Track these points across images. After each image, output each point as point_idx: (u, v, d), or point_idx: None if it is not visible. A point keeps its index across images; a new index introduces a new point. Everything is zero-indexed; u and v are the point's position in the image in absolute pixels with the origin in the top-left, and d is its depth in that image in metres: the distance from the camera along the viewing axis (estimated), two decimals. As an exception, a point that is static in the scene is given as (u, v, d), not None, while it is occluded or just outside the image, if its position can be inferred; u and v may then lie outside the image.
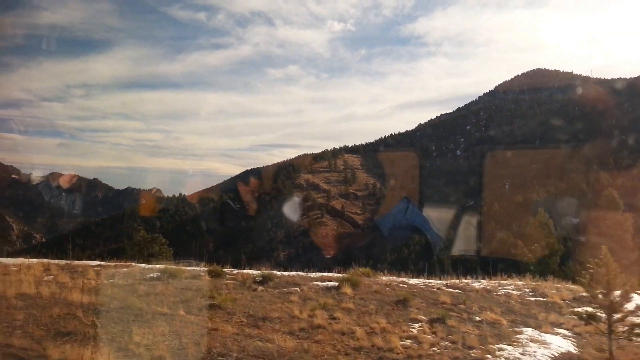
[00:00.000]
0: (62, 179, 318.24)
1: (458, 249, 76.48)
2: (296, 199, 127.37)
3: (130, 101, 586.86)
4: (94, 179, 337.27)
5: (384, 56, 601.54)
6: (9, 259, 18.17)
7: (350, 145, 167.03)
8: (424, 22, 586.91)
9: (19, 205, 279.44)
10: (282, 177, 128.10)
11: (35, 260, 16.34)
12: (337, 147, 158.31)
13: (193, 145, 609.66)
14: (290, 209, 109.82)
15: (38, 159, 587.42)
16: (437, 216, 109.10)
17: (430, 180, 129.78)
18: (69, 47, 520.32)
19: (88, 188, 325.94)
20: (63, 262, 16.19)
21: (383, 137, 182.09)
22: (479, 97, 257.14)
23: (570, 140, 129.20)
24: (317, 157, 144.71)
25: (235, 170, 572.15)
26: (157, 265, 16.17)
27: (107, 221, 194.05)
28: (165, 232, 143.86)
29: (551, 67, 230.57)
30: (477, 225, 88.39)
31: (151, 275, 13.89)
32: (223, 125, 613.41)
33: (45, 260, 16.72)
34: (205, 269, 15.41)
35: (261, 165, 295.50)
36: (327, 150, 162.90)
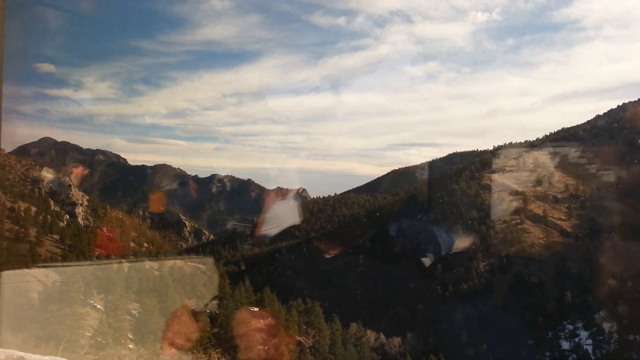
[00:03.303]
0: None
1: None
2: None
3: (276, 106, 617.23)
4: (247, 179, 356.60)
5: (534, 45, 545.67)
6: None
7: (532, 140, 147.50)
8: (581, 5, 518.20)
9: (187, 204, 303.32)
10: (465, 176, 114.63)
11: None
12: (520, 141, 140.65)
13: (331, 146, 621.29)
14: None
15: (198, 162, 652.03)
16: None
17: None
18: (224, 60, 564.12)
19: (243, 188, 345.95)
20: None
21: (562, 128, 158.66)
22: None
23: None
24: (497, 154, 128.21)
25: (371, 170, 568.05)
26: None
27: (271, 219, 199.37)
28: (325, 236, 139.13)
29: None
30: None
31: None
32: (359, 125, 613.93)
33: None
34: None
35: (404, 165, 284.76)
36: (504, 144, 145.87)
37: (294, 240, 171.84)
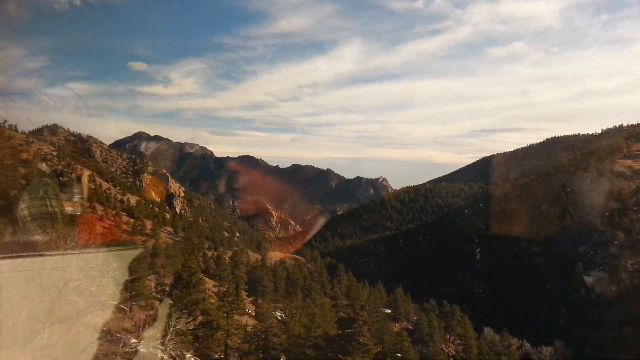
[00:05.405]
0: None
1: None
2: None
3: (351, 95, 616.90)
4: (327, 169, 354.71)
5: (632, 19, 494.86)
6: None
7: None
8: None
9: (269, 193, 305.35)
10: (593, 162, 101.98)
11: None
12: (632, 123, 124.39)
13: (407, 134, 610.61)
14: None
15: (277, 153, 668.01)
16: None
17: None
18: (300, 51, 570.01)
19: (322, 178, 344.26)
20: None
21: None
22: None
23: None
24: (634, 137, 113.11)
25: (451, 158, 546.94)
26: None
27: (359, 210, 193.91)
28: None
29: None
30: None
31: None
32: (437, 112, 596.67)
33: None
34: None
35: (488, 153, 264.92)
36: (615, 127, 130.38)
37: (387, 231, 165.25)
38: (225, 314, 17.97)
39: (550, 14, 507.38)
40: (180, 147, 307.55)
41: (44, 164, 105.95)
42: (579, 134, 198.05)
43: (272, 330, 18.38)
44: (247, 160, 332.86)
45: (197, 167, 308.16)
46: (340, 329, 18.25)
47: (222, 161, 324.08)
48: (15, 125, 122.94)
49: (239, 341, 18.63)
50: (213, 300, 22.67)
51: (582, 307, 71.23)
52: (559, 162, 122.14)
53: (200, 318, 15.64)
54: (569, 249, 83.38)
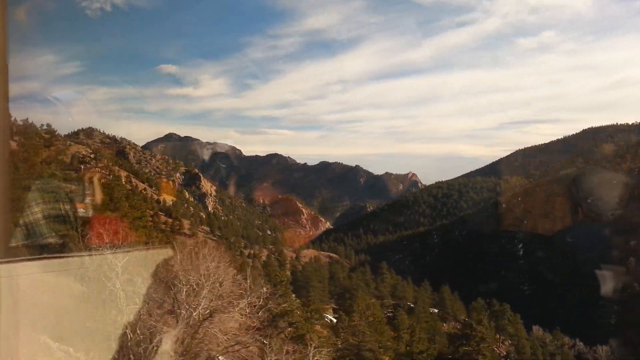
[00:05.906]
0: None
1: None
2: None
3: (379, 91, 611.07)
4: (355, 166, 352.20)
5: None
6: None
7: None
8: None
9: (298, 191, 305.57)
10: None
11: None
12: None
13: (436, 128, 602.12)
14: None
15: (305, 151, 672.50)
16: None
17: None
18: (327, 48, 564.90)
19: (351, 174, 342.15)
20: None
21: None
22: None
23: None
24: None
25: (481, 151, 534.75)
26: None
27: (391, 206, 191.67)
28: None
29: None
30: None
31: None
32: (467, 105, 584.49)
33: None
34: None
35: (520, 146, 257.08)
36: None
37: (420, 227, 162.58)
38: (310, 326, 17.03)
39: (582, 1, 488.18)
40: (210, 147, 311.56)
41: (82, 167, 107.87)
42: (617, 123, 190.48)
43: (366, 345, 17.13)
44: (275, 159, 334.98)
45: (226, 166, 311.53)
46: (452, 346, 16.91)
47: (251, 160, 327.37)
48: (54, 130, 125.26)
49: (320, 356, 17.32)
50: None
51: (637, 302, 68.17)
52: (600, 153, 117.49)
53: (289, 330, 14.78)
54: (617, 244, 79.93)
